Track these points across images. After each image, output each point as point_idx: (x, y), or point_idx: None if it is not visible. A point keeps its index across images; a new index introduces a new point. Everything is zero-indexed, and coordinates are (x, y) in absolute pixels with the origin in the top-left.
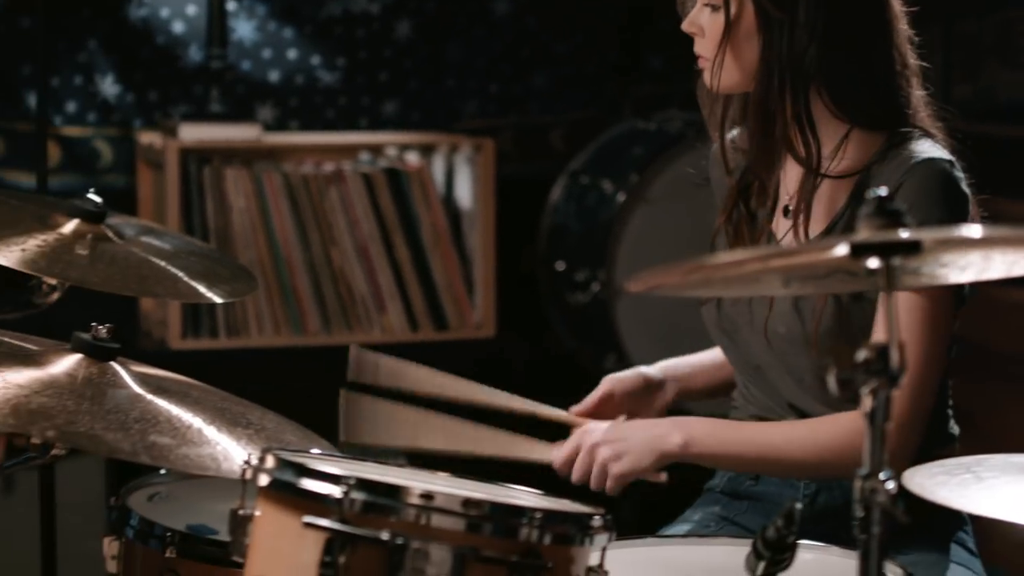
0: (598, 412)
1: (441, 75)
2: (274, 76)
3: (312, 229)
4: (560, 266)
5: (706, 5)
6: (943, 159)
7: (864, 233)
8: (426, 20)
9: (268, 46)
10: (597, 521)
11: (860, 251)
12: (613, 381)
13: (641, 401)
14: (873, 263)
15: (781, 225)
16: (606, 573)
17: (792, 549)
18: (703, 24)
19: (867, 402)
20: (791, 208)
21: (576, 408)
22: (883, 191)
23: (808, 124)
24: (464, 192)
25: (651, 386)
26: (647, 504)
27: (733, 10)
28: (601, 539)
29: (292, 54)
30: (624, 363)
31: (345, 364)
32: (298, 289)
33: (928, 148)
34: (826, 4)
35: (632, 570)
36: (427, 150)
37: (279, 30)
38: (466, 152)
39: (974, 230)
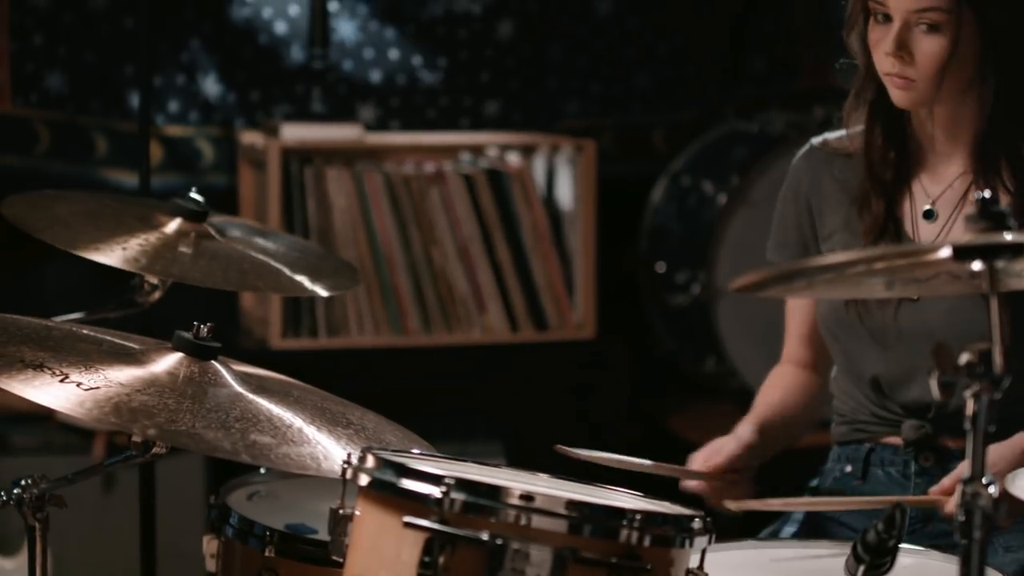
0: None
1: (542, 75)
2: (375, 76)
3: (413, 229)
4: (661, 267)
5: (921, 24)
6: None
7: (967, 235)
8: (528, 20)
9: (370, 46)
10: (697, 523)
11: (963, 254)
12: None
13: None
14: (976, 266)
15: (923, 229)
16: (706, 575)
17: (892, 553)
18: (916, 46)
19: (969, 406)
20: (936, 212)
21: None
22: (987, 193)
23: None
24: (565, 192)
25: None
26: None
27: (956, 31)
28: (701, 541)
29: (393, 54)
30: (724, 365)
31: (444, 364)
32: (398, 289)
33: None
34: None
35: (732, 573)
36: (528, 150)
37: (381, 30)
38: (567, 152)
39: None
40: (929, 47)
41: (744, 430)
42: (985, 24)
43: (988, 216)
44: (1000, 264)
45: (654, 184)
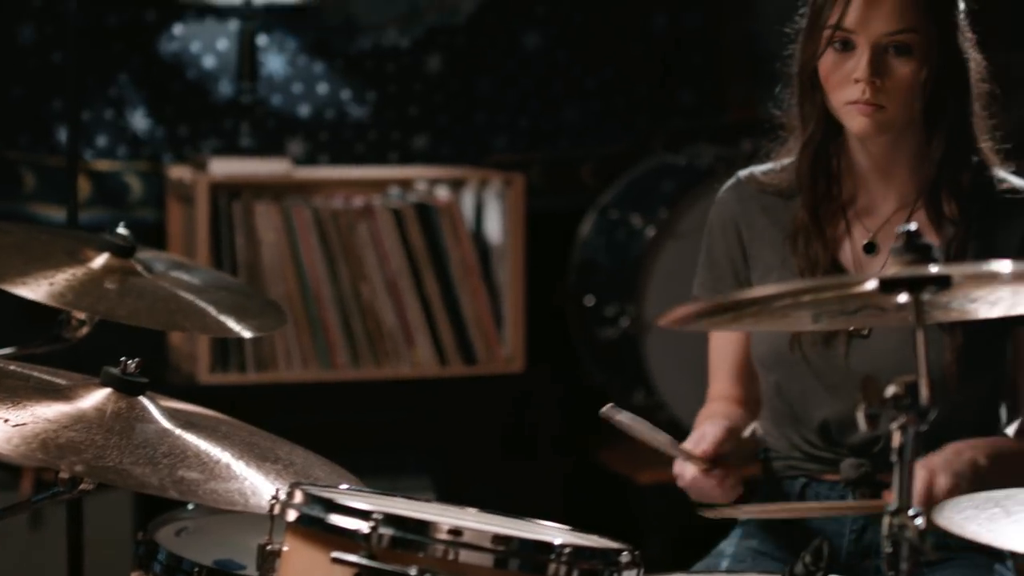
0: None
1: (471, 109)
2: (304, 110)
3: (341, 264)
4: (589, 301)
5: (892, 48)
6: None
7: (894, 268)
8: (456, 54)
9: (298, 80)
10: (625, 557)
11: (890, 286)
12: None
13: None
14: (902, 298)
15: (864, 263)
16: None
17: None
18: (889, 71)
19: (896, 438)
20: (877, 245)
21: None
22: (912, 226)
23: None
24: (494, 226)
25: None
26: (679, 539)
27: (927, 54)
28: (629, 575)
29: (322, 88)
30: (653, 398)
31: (372, 399)
32: (327, 324)
33: None
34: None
35: None
36: (457, 184)
37: (309, 64)
38: (496, 186)
39: (1003, 265)
40: (902, 71)
41: (718, 418)
42: (944, 50)
43: (914, 249)
44: (926, 296)
45: (583, 217)
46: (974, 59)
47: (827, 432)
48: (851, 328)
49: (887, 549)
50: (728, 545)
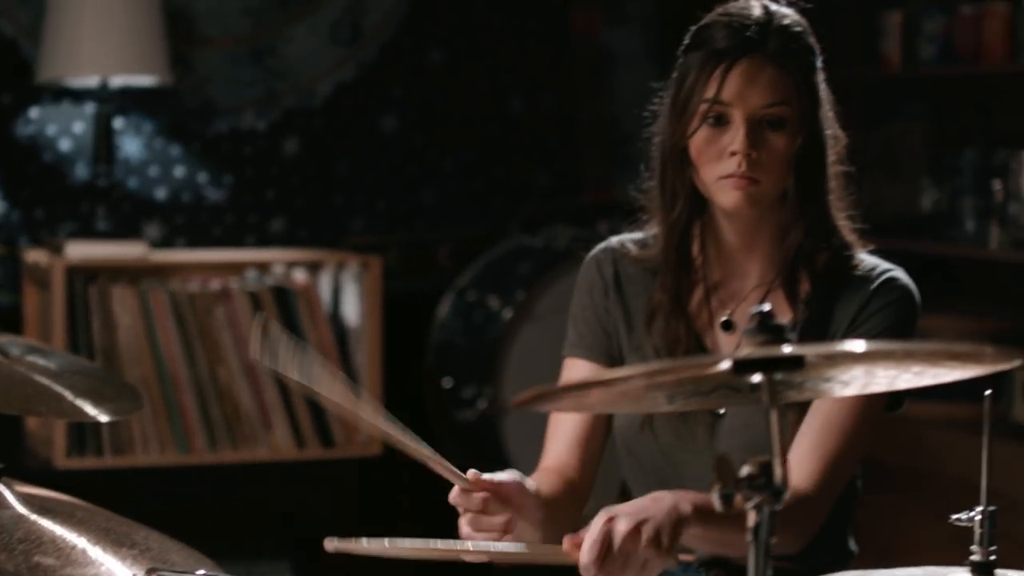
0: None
1: (328, 192)
2: (161, 193)
3: (198, 347)
4: (447, 383)
5: (768, 120)
6: (903, 274)
7: (747, 349)
8: (313, 137)
9: (155, 163)
10: None
11: (743, 367)
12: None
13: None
14: (756, 378)
15: (722, 341)
16: None
17: None
18: (766, 144)
19: (751, 517)
20: (734, 323)
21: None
22: (765, 307)
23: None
24: (351, 309)
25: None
26: None
27: (798, 128)
28: None
29: (179, 171)
30: None
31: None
32: (184, 407)
33: (883, 262)
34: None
35: None
36: (314, 267)
37: (166, 147)
38: (353, 269)
39: (857, 345)
40: (777, 143)
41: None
42: (808, 124)
43: (767, 329)
44: (779, 377)
45: (440, 299)
46: (835, 137)
47: None
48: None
49: None
50: None
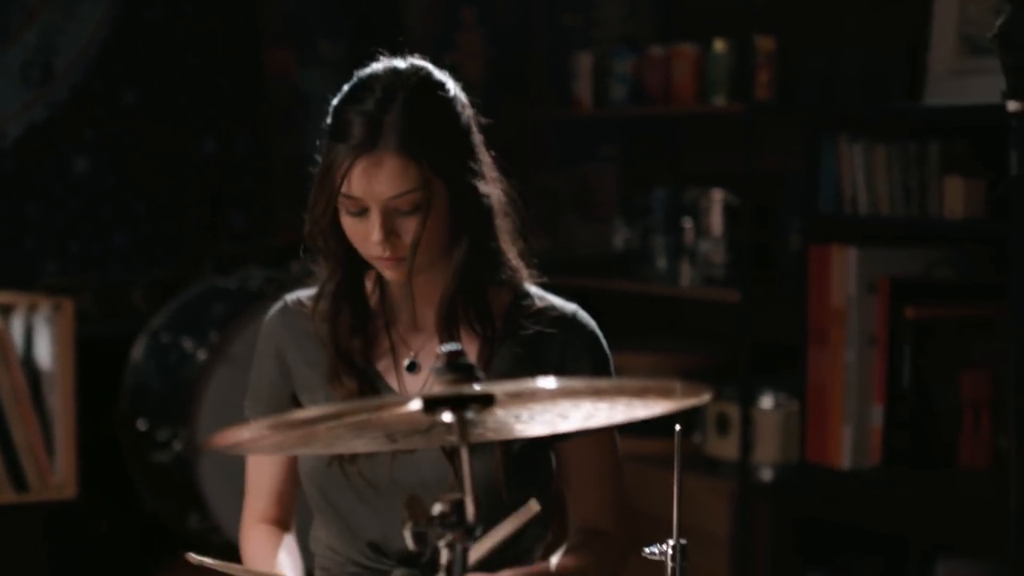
0: None
1: (20, 233)
2: None
3: None
4: (142, 425)
5: (400, 208)
6: (582, 311)
7: (437, 387)
8: (4, 178)
9: None
10: None
11: (433, 405)
12: None
13: None
14: (447, 417)
15: (407, 381)
16: None
17: None
18: (400, 228)
19: (444, 555)
20: (418, 364)
21: None
22: (454, 347)
23: (479, 287)
24: (43, 352)
25: None
26: None
27: (429, 204)
28: None
29: None
30: (208, 521)
31: None
32: None
33: (562, 301)
34: (479, 174)
35: None
36: (6, 310)
37: None
38: (45, 311)
39: (549, 382)
40: (410, 226)
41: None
42: (455, 189)
43: (456, 368)
44: (470, 415)
45: (134, 342)
46: (494, 194)
47: (376, 546)
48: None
49: None
50: None
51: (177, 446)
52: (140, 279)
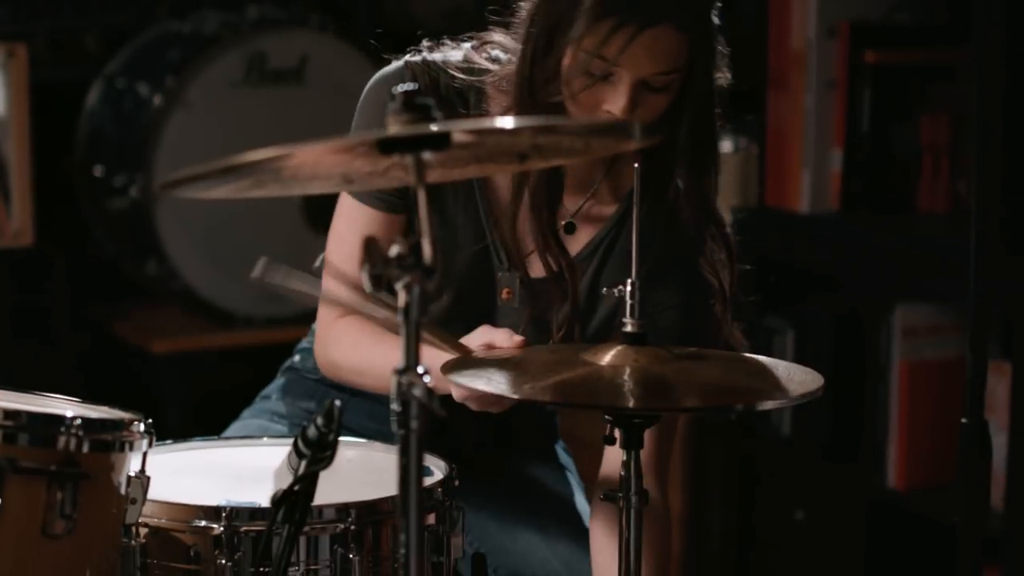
0: None
1: None
2: None
3: None
4: (98, 171)
5: (653, 83)
6: None
7: (394, 128)
8: None
9: None
10: (136, 427)
11: (390, 147)
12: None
13: None
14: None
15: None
16: (148, 478)
17: (332, 447)
18: (643, 103)
19: (402, 297)
20: (575, 224)
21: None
22: (411, 86)
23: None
24: None
25: None
26: (199, 407)
27: (681, 85)
28: (141, 445)
29: None
30: (165, 267)
31: None
32: None
33: None
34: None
35: (175, 474)
36: None
37: None
38: None
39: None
40: (654, 103)
41: None
42: (699, 74)
43: (412, 108)
44: (427, 156)
45: (89, 88)
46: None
47: None
48: None
49: (396, 408)
50: (253, 416)
51: (134, 192)
52: (94, 23)
